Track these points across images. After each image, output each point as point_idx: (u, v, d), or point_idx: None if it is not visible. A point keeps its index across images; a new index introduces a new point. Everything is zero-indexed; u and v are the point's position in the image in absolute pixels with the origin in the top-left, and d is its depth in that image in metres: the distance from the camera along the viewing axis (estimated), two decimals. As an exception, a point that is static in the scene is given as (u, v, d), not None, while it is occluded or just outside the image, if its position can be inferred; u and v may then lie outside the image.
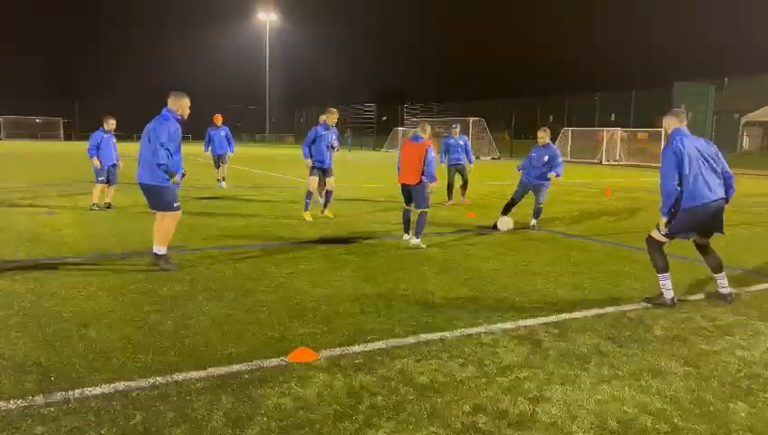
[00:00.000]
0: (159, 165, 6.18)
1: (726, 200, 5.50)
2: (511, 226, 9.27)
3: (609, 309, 5.38)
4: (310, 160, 10.36)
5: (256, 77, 78.05)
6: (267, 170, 23.44)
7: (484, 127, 43.19)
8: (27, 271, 6.34)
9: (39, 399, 3.42)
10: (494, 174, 24.84)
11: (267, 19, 71.28)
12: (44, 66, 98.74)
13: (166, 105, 6.49)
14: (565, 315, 5.19)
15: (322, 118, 10.56)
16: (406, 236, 8.37)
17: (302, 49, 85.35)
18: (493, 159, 40.57)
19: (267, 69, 72.27)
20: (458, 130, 13.77)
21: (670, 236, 5.50)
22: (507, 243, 8.63)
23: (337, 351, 4.26)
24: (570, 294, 5.87)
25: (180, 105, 6.46)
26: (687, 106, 33.95)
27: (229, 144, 15.79)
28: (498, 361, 4.15)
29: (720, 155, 5.51)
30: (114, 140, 11.34)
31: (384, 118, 54.53)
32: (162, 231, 6.44)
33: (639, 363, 4.15)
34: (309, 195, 10.43)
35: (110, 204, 11.16)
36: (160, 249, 6.42)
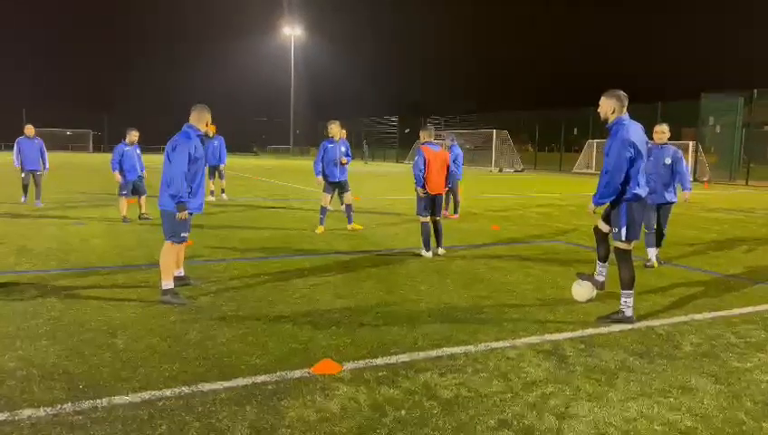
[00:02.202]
0: (172, 196, 5.68)
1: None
2: (593, 295, 5.93)
3: (637, 324, 5.29)
4: (320, 178, 10.24)
5: (281, 90, 79.03)
6: (291, 182, 23.61)
7: (508, 139, 43.04)
8: (57, 280, 6.46)
9: (68, 406, 3.47)
10: (518, 186, 24.67)
11: (292, 33, 72.28)
12: (75, 80, 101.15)
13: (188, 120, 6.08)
14: (591, 330, 5.11)
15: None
16: (427, 253, 8.24)
17: (326, 62, 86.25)
18: (516, 171, 40.35)
19: (292, 82, 73.15)
20: (447, 143, 12.78)
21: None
22: (531, 256, 8.55)
23: (360, 363, 4.25)
24: (596, 308, 5.78)
25: (202, 120, 6.05)
26: (715, 118, 33.44)
27: (221, 155, 15.76)
28: (523, 375, 4.10)
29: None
30: (139, 151, 11.50)
31: (407, 130, 54.66)
32: (162, 262, 5.78)
33: (668, 380, 4.07)
34: (323, 210, 10.40)
35: (144, 214, 11.29)
36: (166, 283, 5.73)
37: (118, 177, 11.20)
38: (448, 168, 8.40)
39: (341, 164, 10.25)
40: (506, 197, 19.23)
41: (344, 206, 10.69)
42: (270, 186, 21.51)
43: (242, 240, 9.34)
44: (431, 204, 8.29)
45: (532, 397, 3.75)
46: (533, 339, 4.85)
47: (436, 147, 8.39)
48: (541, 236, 10.64)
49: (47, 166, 13.68)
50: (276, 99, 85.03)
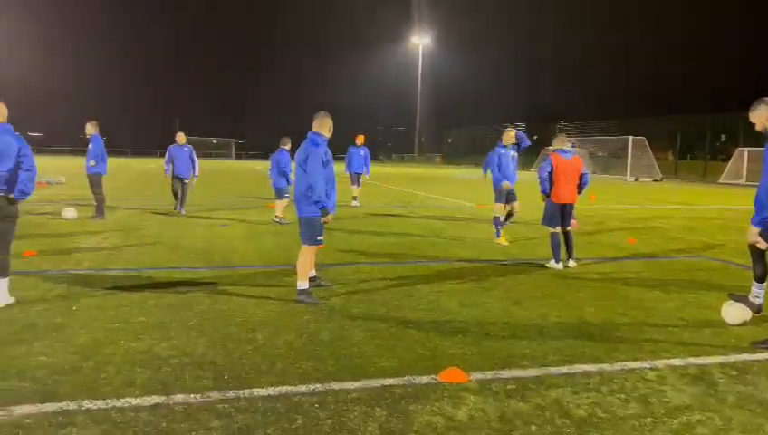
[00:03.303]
0: (315, 202, 5.89)
1: None
2: (747, 318, 5.42)
3: (801, 353, 4.73)
4: (507, 183, 9.86)
5: (406, 98, 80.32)
6: (415, 189, 23.89)
7: (645, 146, 40.45)
8: (204, 277, 7.03)
9: (215, 394, 3.76)
10: (656, 197, 23.10)
11: (420, 42, 73.26)
12: (220, 92, 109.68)
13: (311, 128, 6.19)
14: (745, 356, 4.65)
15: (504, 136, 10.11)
16: (556, 265, 7.95)
17: (453, 68, 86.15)
18: (654, 180, 37.82)
19: (419, 90, 74.10)
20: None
21: None
22: (672, 272, 7.96)
23: (488, 374, 4.19)
24: (750, 332, 5.25)
25: (324, 126, 6.14)
26: None
27: (366, 165, 16.36)
28: (666, 400, 3.82)
29: None
30: (289, 158, 12.18)
31: (535, 136, 53.19)
32: (299, 264, 6.08)
33: (841, 419, 3.60)
34: (497, 221, 10.14)
35: (280, 218, 11.99)
36: (301, 284, 6.04)
37: (284, 181, 11.97)
38: (581, 177, 8.08)
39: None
40: (643, 208, 18.08)
41: (507, 213, 10.44)
42: (395, 193, 21.91)
43: (369, 245, 9.60)
44: (560, 213, 8.01)
45: (675, 424, 3.49)
46: (676, 361, 4.51)
47: (568, 154, 8.10)
48: (682, 250, 9.87)
49: (197, 172, 13.61)
50: (402, 107, 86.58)
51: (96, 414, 3.44)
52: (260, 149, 73.88)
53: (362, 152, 16.37)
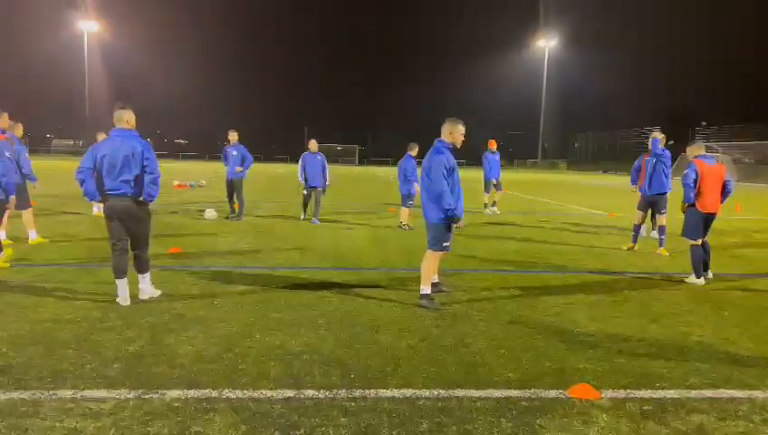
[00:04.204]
0: (445, 210, 5.91)
1: None
2: None
3: None
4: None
5: (530, 103, 78.32)
6: (539, 196, 23.20)
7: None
8: (331, 277, 7.30)
9: (342, 392, 3.88)
10: (816, 208, 20.64)
11: (546, 45, 71.16)
12: (344, 100, 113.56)
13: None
14: None
15: None
16: (697, 280, 7.41)
17: (580, 70, 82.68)
18: (812, 190, 33.80)
19: (543, 95, 71.95)
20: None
21: None
22: (839, 293, 7.06)
23: (621, 393, 3.96)
24: None
25: (454, 132, 6.10)
26: None
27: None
28: (832, 437, 3.40)
29: None
30: (414, 164, 12.32)
31: (670, 142, 49.69)
32: (423, 269, 6.13)
33: None
34: (636, 228, 10.10)
35: (406, 224, 12.16)
36: (424, 289, 6.10)
37: (416, 187, 12.02)
38: (725, 185, 7.44)
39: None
40: (800, 220, 16.23)
41: (657, 226, 10.22)
42: (518, 199, 21.40)
43: (491, 252, 9.45)
44: (703, 224, 7.42)
45: None
46: None
47: (711, 160, 7.52)
48: None
49: (327, 182, 13.02)
50: (525, 112, 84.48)
51: (235, 403, 3.69)
52: (384, 155, 75.64)
53: (497, 157, 16.24)
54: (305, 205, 13.14)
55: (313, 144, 12.94)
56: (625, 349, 4.86)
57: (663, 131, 11.18)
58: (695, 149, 7.72)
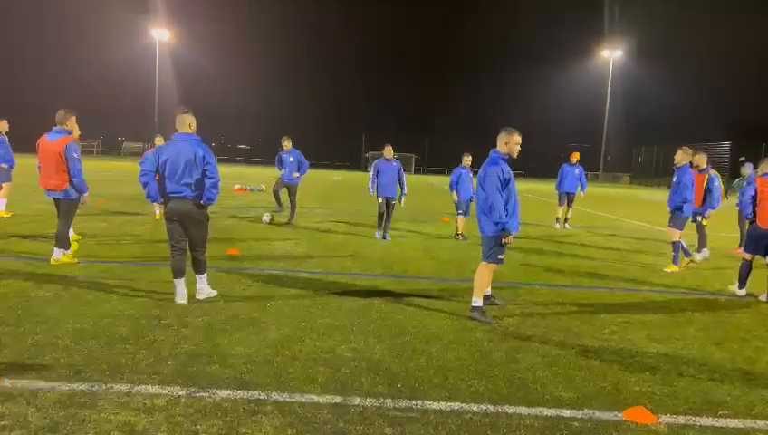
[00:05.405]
0: (495, 223, 5.80)
1: None
2: None
3: None
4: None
5: (592, 115, 76.44)
6: (599, 210, 22.56)
7: None
8: (382, 285, 7.29)
9: (389, 402, 3.86)
10: None
11: (611, 57, 69.45)
12: (401, 108, 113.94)
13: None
14: None
15: None
16: (739, 291, 7.56)
17: (645, 81, 79.97)
18: None
19: (607, 107, 70.11)
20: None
21: None
22: None
23: (681, 419, 3.78)
24: None
25: (509, 142, 5.94)
26: None
27: (582, 181, 15.51)
28: None
29: None
30: (471, 175, 12.20)
31: (741, 159, 47.44)
32: (476, 280, 6.04)
33: None
34: (675, 246, 9.38)
35: (461, 234, 12.05)
36: (476, 301, 6.00)
37: (454, 196, 12.06)
38: None
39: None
40: None
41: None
42: (578, 213, 20.85)
43: (547, 266, 9.23)
44: (763, 240, 7.30)
45: None
46: None
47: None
48: None
49: (405, 190, 11.62)
50: (587, 123, 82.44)
51: (283, 406, 3.72)
52: (441, 164, 75.42)
53: (577, 171, 15.35)
54: (380, 217, 11.44)
55: (389, 150, 11.45)
56: (686, 372, 4.64)
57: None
58: (765, 166, 7.64)
